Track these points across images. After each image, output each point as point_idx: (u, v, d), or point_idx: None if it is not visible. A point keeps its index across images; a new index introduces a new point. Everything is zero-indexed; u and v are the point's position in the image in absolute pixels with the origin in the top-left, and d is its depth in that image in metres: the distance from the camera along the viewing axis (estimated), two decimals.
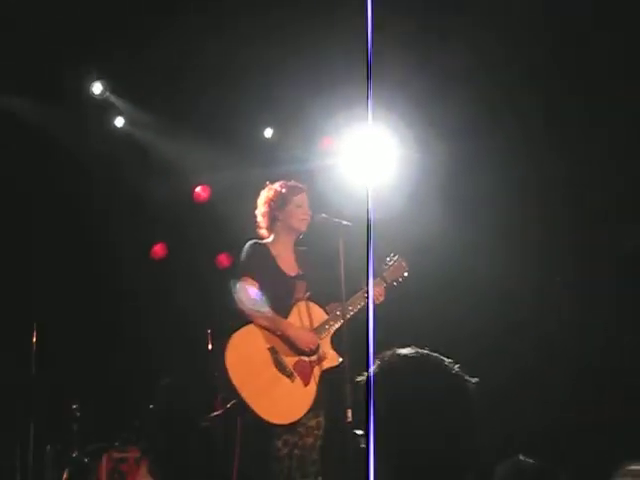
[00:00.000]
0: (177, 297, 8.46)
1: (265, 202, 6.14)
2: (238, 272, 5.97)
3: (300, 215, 6.09)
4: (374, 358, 2.34)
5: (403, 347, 2.39)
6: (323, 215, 6.03)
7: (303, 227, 6.10)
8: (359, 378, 2.36)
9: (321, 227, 6.01)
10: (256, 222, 6.18)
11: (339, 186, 6.76)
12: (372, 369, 2.34)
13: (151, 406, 7.10)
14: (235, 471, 5.86)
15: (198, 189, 8.90)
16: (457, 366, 2.37)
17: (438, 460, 2.28)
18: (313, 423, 5.93)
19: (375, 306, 5.99)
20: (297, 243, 6.18)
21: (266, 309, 5.83)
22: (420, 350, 2.38)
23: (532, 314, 7.48)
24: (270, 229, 6.15)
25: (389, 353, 2.39)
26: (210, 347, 7.18)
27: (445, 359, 2.38)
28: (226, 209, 8.03)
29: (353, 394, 5.48)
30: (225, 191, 8.43)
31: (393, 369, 2.35)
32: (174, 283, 8.57)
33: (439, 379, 2.34)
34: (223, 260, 8.95)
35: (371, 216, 2.23)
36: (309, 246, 6.22)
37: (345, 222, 5.91)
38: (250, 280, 5.89)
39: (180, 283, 8.54)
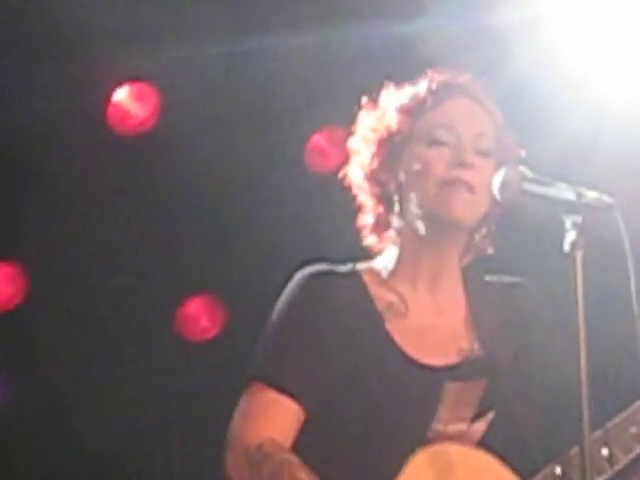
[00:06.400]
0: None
1: (373, 142, 2.33)
2: (255, 371, 2.25)
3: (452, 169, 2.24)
4: None
5: None
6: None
7: (470, 210, 2.25)
8: None
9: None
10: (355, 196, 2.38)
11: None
12: None
13: None
14: None
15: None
16: None
17: None
18: None
19: None
20: (473, 269, 2.36)
21: None
22: None
23: None
24: (385, 225, 2.34)
25: None
26: None
27: None
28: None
29: None
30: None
31: None
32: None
33: None
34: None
35: None
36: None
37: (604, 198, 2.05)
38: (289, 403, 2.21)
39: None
